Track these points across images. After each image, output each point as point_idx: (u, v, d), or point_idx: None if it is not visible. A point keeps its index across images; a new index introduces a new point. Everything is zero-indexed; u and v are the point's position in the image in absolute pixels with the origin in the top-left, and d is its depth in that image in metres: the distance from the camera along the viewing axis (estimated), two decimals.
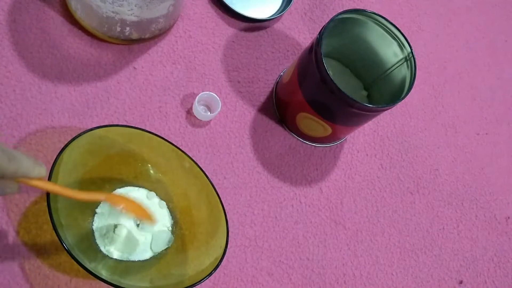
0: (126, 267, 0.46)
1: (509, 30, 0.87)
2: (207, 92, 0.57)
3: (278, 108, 0.62)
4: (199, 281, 0.42)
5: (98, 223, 0.46)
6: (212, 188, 0.49)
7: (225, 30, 0.64)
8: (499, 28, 0.86)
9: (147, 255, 0.48)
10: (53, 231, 0.38)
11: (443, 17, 0.82)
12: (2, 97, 0.51)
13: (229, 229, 0.55)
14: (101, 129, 0.44)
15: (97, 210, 0.47)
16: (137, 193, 0.50)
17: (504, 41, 0.85)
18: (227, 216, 0.56)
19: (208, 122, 0.59)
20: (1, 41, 0.53)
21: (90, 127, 0.44)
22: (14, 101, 0.51)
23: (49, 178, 0.39)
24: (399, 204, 0.65)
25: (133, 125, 0.49)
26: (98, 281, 0.38)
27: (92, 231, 0.46)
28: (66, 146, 0.41)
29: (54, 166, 0.40)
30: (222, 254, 0.45)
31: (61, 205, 0.41)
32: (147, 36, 0.57)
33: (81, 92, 0.54)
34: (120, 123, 0.54)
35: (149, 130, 0.48)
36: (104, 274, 0.40)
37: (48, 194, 0.38)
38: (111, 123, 0.53)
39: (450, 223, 0.67)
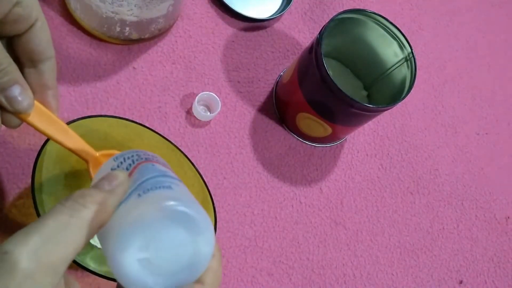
0: None
1: (509, 30, 0.87)
2: (207, 92, 0.57)
3: (278, 108, 0.62)
4: None
5: None
6: (196, 170, 0.48)
7: (225, 30, 0.64)
8: (499, 28, 0.86)
9: None
10: None
11: (443, 17, 0.82)
12: None
13: (229, 229, 0.55)
14: (85, 120, 0.43)
15: None
16: None
17: (504, 41, 0.85)
18: (228, 215, 0.56)
19: (208, 122, 0.58)
20: None
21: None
22: None
23: (34, 170, 0.38)
24: (399, 204, 0.65)
25: (114, 115, 0.48)
26: (87, 272, 0.37)
27: None
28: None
29: (38, 158, 0.39)
30: None
31: (46, 197, 0.41)
32: (146, 36, 0.56)
33: (80, 92, 0.54)
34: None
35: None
36: (92, 265, 0.40)
37: (32, 187, 0.38)
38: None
39: (450, 223, 0.67)
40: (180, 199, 0.25)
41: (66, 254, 0.23)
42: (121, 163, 0.29)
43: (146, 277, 0.25)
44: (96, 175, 0.30)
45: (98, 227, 0.25)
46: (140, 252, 0.24)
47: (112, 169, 0.29)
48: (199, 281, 0.26)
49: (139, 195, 0.26)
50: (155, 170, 0.28)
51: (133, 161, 0.29)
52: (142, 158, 0.29)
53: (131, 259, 0.24)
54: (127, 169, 0.29)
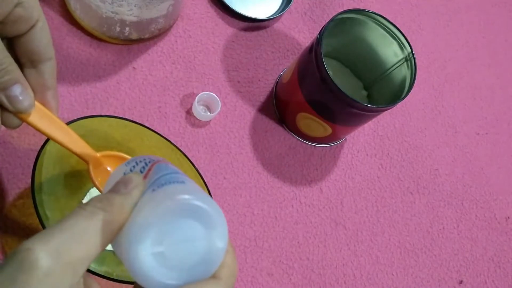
0: (115, 257, 0.45)
1: (509, 30, 0.87)
2: (207, 92, 0.57)
3: (278, 108, 0.62)
4: None
5: None
6: (196, 170, 0.48)
7: (225, 30, 0.64)
8: (499, 28, 0.86)
9: None
10: (39, 225, 0.37)
11: (443, 17, 0.82)
12: None
13: (229, 229, 0.55)
14: (84, 120, 0.43)
15: (84, 201, 0.47)
16: None
17: (504, 41, 0.85)
18: (228, 216, 0.56)
19: (208, 122, 0.58)
20: None
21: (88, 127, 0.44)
22: None
23: (33, 170, 0.39)
24: (399, 204, 0.65)
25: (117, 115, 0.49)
26: (87, 272, 0.38)
27: None
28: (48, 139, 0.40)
29: (38, 158, 0.39)
30: None
31: (46, 197, 0.41)
32: (146, 36, 0.56)
33: (80, 92, 0.54)
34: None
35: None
36: (92, 265, 0.40)
37: (32, 187, 0.38)
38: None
39: (450, 223, 0.67)
40: (194, 193, 0.25)
41: (86, 255, 0.23)
42: (134, 166, 0.30)
43: (160, 272, 0.25)
44: (108, 180, 0.31)
45: (117, 229, 0.25)
46: (154, 246, 0.24)
47: (125, 174, 0.29)
48: (214, 276, 0.26)
49: (153, 190, 0.26)
50: (168, 168, 0.28)
51: (146, 164, 0.29)
52: (154, 160, 0.30)
53: (145, 253, 0.24)
54: (141, 171, 0.29)
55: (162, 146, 0.49)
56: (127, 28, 0.53)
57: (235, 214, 0.56)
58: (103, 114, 0.54)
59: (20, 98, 0.31)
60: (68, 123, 0.42)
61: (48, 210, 0.40)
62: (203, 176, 0.49)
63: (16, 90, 0.31)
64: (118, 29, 0.53)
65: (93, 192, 0.48)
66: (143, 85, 0.57)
